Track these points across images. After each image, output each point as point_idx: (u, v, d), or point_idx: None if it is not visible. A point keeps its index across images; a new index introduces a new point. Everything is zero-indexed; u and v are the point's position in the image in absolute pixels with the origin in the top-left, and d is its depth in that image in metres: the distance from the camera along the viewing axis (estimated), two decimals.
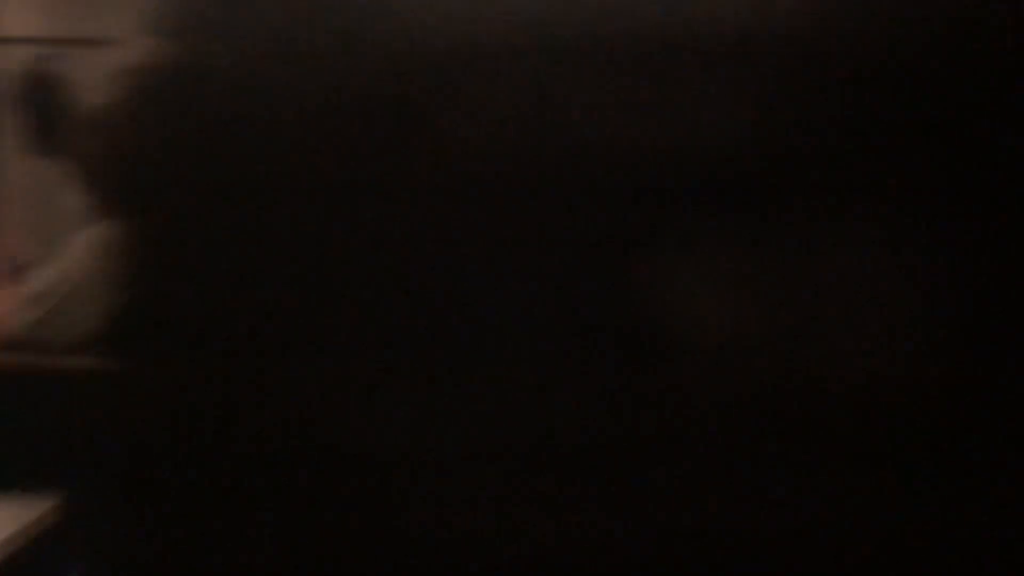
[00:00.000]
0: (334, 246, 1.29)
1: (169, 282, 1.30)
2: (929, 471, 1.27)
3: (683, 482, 1.29)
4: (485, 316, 1.30)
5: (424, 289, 1.29)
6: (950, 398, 1.27)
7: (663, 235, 1.28)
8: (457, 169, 1.29)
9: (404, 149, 1.29)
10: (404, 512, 1.30)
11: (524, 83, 1.28)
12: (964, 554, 1.27)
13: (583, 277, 1.28)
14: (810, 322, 1.28)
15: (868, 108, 1.27)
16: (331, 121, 1.29)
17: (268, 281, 1.30)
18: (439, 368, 1.29)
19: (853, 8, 1.25)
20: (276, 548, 1.31)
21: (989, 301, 1.27)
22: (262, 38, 1.29)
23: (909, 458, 1.27)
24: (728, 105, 1.27)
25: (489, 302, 1.30)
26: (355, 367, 1.29)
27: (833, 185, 1.27)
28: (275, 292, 1.29)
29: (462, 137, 1.29)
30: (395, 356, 1.29)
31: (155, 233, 1.31)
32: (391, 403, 1.29)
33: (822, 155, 1.27)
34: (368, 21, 1.28)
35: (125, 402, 1.31)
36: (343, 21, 1.29)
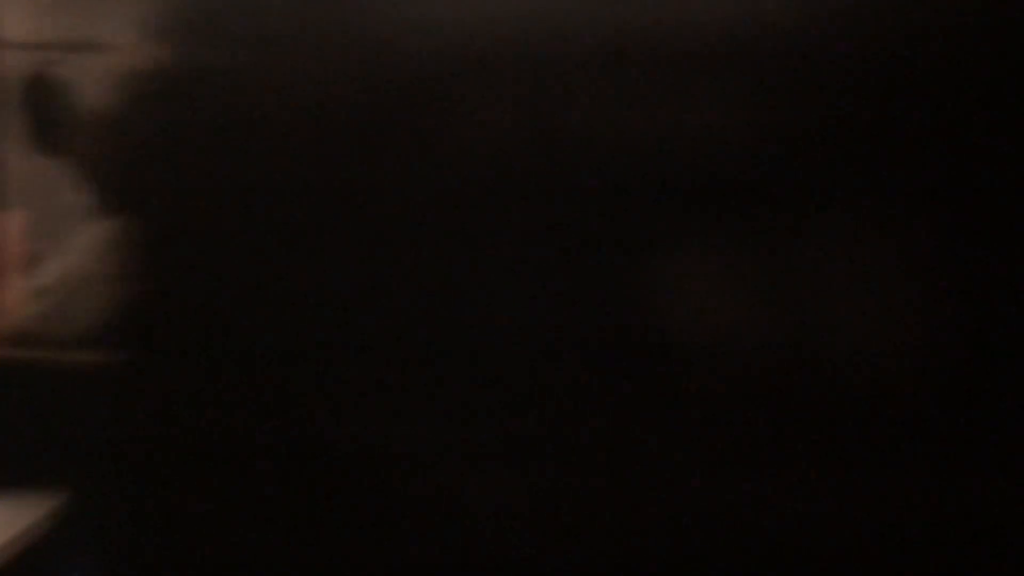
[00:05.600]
0: (335, 245, 1.29)
1: (173, 277, 1.30)
2: (929, 470, 1.26)
3: (683, 481, 1.28)
4: (487, 315, 1.29)
5: (425, 288, 1.29)
6: (950, 397, 1.27)
7: (663, 235, 1.28)
8: (456, 171, 1.28)
9: (403, 151, 1.29)
10: (405, 509, 1.30)
11: (525, 86, 1.28)
12: (964, 554, 1.27)
13: (584, 277, 1.28)
14: (809, 321, 1.28)
15: (868, 109, 1.26)
16: (329, 122, 1.28)
17: (270, 278, 1.29)
18: (440, 366, 1.29)
19: (852, 11, 1.25)
20: (278, 545, 1.30)
21: (989, 300, 1.27)
22: (260, 41, 1.29)
23: (909, 457, 1.27)
24: (728, 107, 1.27)
25: (491, 302, 1.29)
26: (356, 365, 1.29)
27: (833, 186, 1.27)
28: (277, 289, 1.29)
29: (460, 139, 1.28)
30: (396, 354, 1.29)
31: (157, 230, 1.31)
32: (393, 401, 1.29)
33: (821, 156, 1.27)
34: (368, 25, 1.28)
35: (130, 396, 1.31)
36: (340, 25, 1.29)
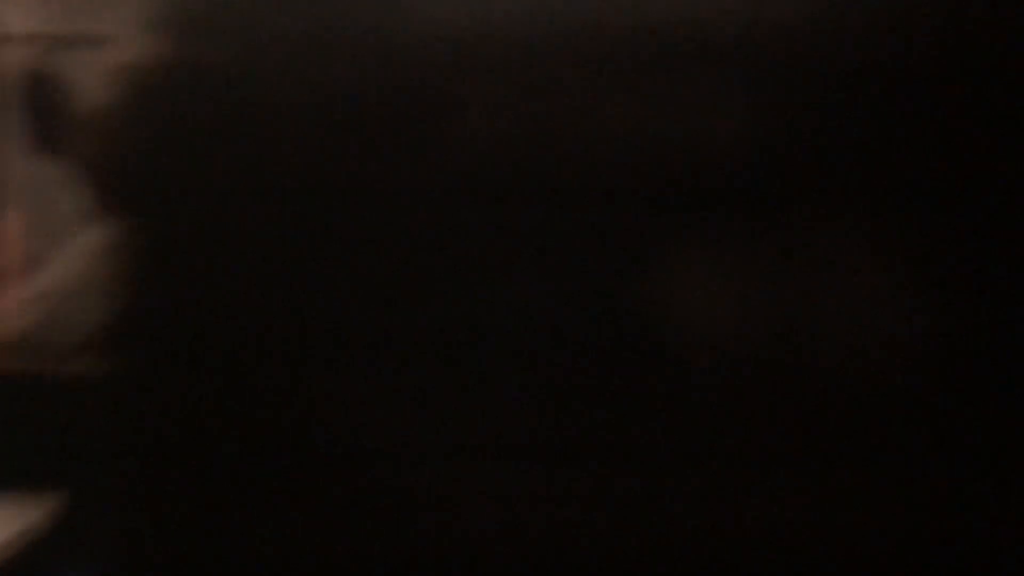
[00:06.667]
0: (335, 246, 1.29)
1: (170, 283, 1.30)
2: (929, 470, 1.26)
3: (683, 481, 1.28)
4: (489, 315, 1.29)
5: (426, 289, 1.29)
6: (949, 396, 1.27)
7: (663, 235, 1.28)
8: (456, 170, 1.28)
9: (404, 149, 1.29)
10: (405, 509, 1.30)
11: (526, 86, 1.28)
12: (964, 554, 1.27)
13: (585, 277, 1.28)
14: (809, 322, 1.28)
15: (867, 109, 1.26)
16: (332, 120, 1.28)
17: (269, 282, 1.29)
18: (441, 366, 1.29)
19: (852, 10, 1.25)
20: (277, 547, 1.30)
21: (988, 300, 1.27)
22: (262, 36, 1.29)
23: (908, 456, 1.27)
24: (729, 107, 1.27)
25: (492, 302, 1.29)
26: (357, 366, 1.29)
27: (833, 185, 1.27)
28: (276, 293, 1.29)
29: (461, 138, 1.28)
30: (396, 355, 1.29)
31: (156, 233, 1.31)
32: (392, 402, 1.29)
33: (821, 155, 1.27)
34: (371, 21, 1.28)
35: (127, 403, 1.31)
36: (343, 21, 1.29)
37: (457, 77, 1.26)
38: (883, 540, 1.26)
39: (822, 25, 1.25)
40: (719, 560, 1.26)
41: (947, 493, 1.25)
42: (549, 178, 1.26)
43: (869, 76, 1.25)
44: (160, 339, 1.29)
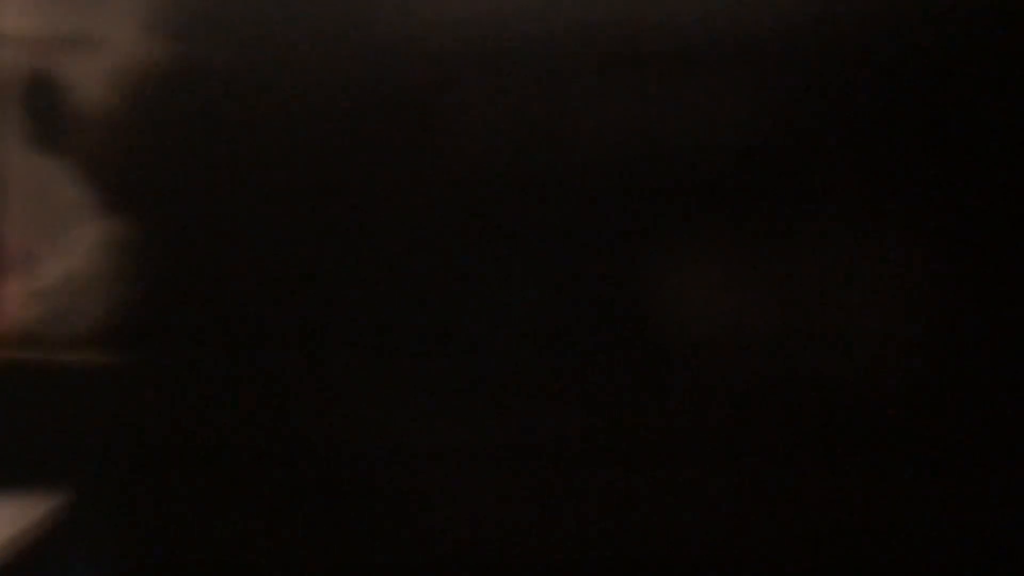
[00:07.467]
0: (335, 243, 1.29)
1: (175, 278, 1.30)
2: (929, 468, 1.27)
3: (683, 480, 1.29)
4: (487, 314, 1.30)
5: (425, 287, 1.29)
6: (949, 395, 1.27)
7: (665, 234, 1.28)
8: (456, 170, 1.29)
9: (403, 149, 1.29)
10: (405, 509, 1.30)
11: (526, 84, 1.28)
12: (964, 553, 1.27)
13: (585, 276, 1.28)
14: (810, 320, 1.28)
15: (867, 109, 1.26)
16: (331, 120, 1.29)
17: (271, 278, 1.29)
18: (442, 365, 1.29)
19: (850, 11, 1.25)
20: (278, 545, 1.31)
21: (988, 299, 1.27)
22: (261, 38, 1.29)
23: (909, 455, 1.27)
24: (730, 106, 1.27)
25: (491, 301, 1.29)
26: (358, 364, 1.29)
27: (833, 185, 1.27)
28: (278, 289, 1.29)
29: (462, 137, 1.29)
30: (397, 353, 1.29)
31: (159, 230, 1.31)
32: (395, 400, 1.29)
33: (822, 155, 1.27)
34: (369, 21, 1.28)
35: (131, 398, 1.31)
36: (343, 22, 1.29)
37: (457, 77, 1.26)
38: (884, 539, 1.26)
39: (823, 25, 1.25)
40: (719, 559, 1.27)
41: (948, 493, 1.25)
42: (548, 178, 1.27)
43: (871, 75, 1.25)
44: (165, 334, 1.29)
